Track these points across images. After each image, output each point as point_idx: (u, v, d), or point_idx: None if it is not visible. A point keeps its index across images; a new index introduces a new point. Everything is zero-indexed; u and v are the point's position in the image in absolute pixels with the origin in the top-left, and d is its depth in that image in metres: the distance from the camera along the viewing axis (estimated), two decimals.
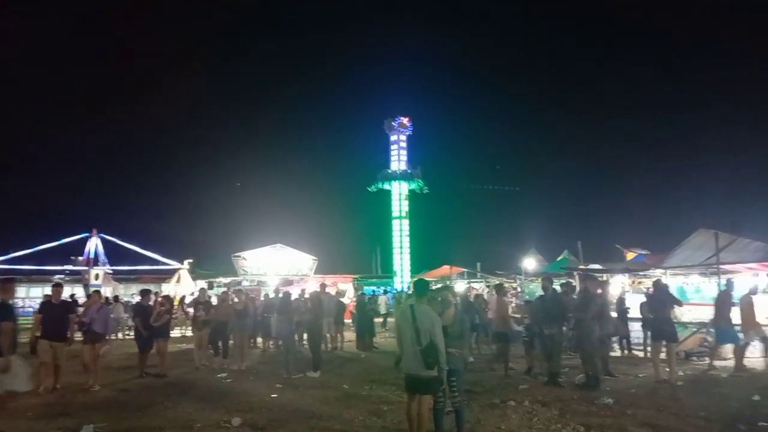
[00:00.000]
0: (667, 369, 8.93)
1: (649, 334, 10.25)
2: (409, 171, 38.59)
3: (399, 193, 38.78)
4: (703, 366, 10.50)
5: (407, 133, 39.23)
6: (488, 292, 21.31)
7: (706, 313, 12.18)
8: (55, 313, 8.74)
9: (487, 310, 12.56)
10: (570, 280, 14.62)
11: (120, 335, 18.79)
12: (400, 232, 39.17)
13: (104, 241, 35.76)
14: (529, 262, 27.76)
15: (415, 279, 11.48)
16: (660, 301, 9.19)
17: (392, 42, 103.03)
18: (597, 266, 19.54)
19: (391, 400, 7.77)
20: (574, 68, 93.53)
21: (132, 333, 16.85)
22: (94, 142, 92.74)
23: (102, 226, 36.23)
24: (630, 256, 24.55)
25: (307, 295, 12.93)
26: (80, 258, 36.26)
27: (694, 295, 13.70)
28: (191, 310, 11.95)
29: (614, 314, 11.19)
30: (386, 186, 38.97)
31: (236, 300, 12.20)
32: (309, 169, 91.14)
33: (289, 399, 8.11)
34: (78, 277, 32.93)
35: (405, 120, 39.05)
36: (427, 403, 5.54)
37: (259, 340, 14.83)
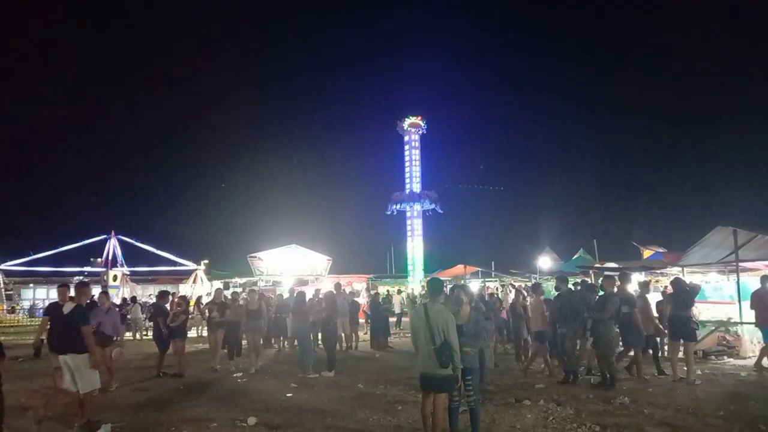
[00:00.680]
0: (685, 368, 8.84)
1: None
2: (424, 193, 38.47)
3: (413, 214, 38.75)
4: (721, 365, 10.36)
5: (420, 133, 39.11)
6: (502, 291, 21.26)
7: (724, 312, 12.02)
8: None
9: (502, 309, 12.50)
10: (586, 279, 14.52)
11: (138, 335, 19.04)
12: (413, 249, 38.99)
13: (121, 243, 36.18)
14: (544, 261, 27.68)
15: (429, 278, 11.46)
16: (680, 300, 9.08)
17: (410, 42, 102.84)
18: (612, 264, 19.37)
19: (406, 400, 7.77)
20: (591, 66, 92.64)
21: (149, 333, 17.11)
22: (109, 142, 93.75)
23: (118, 227, 36.67)
24: (647, 254, 24.28)
25: (321, 295, 12.96)
26: (98, 260, 36.73)
27: (713, 294, 13.45)
28: (207, 311, 11.96)
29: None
30: (401, 207, 38.96)
31: (247, 300, 12.16)
32: (323, 171, 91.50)
33: (304, 398, 8.16)
34: (97, 279, 33.32)
35: (417, 119, 38.92)
36: (442, 402, 5.53)
37: (273, 340, 14.93)
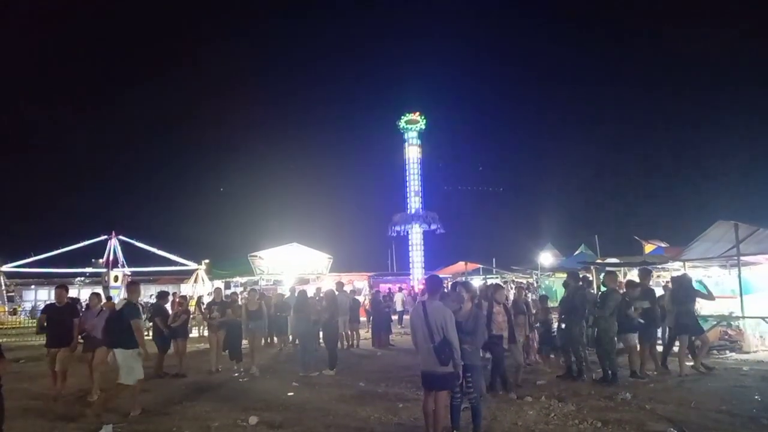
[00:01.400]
0: (689, 363, 8.86)
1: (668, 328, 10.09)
2: (425, 214, 38.48)
3: (413, 238, 38.81)
4: (723, 359, 10.33)
5: (418, 129, 39.05)
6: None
7: (726, 306, 12.00)
8: (58, 316, 8.25)
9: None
10: (587, 275, 14.48)
11: None
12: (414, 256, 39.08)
13: (122, 243, 36.18)
14: (546, 257, 27.57)
15: (428, 275, 11.44)
16: (684, 295, 9.07)
17: (410, 42, 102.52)
18: (614, 260, 19.33)
19: (407, 397, 7.77)
20: (592, 62, 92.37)
21: (149, 333, 17.07)
22: (109, 143, 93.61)
23: (119, 227, 36.66)
24: (648, 248, 24.22)
25: (322, 294, 12.94)
26: (100, 260, 36.74)
27: (714, 288, 13.41)
28: (208, 313, 11.90)
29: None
30: (402, 230, 38.98)
31: (247, 299, 12.11)
32: (324, 169, 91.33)
33: (306, 397, 8.15)
34: (98, 279, 33.30)
35: (415, 115, 38.89)
36: (444, 400, 5.52)
37: (275, 339, 14.93)
